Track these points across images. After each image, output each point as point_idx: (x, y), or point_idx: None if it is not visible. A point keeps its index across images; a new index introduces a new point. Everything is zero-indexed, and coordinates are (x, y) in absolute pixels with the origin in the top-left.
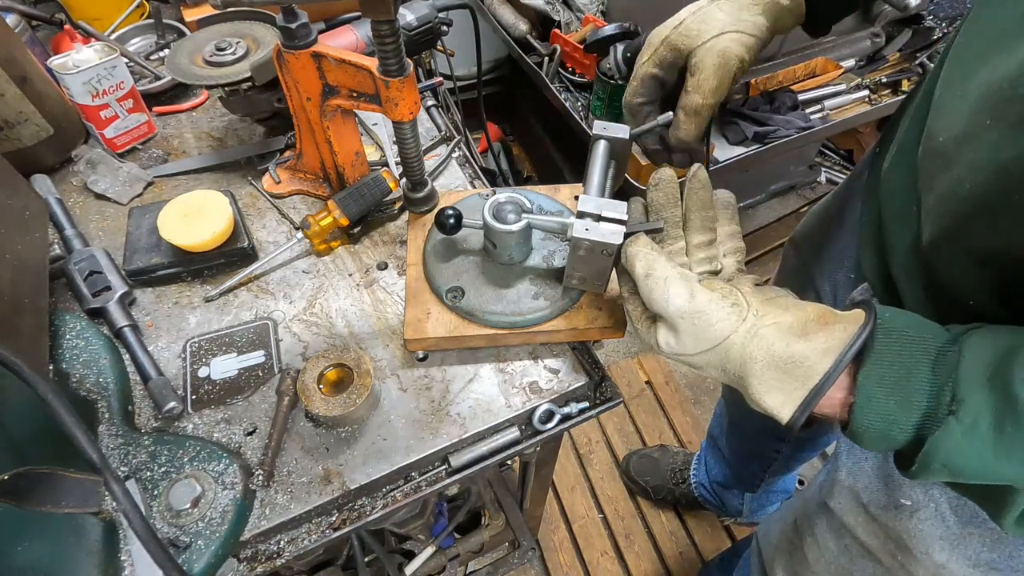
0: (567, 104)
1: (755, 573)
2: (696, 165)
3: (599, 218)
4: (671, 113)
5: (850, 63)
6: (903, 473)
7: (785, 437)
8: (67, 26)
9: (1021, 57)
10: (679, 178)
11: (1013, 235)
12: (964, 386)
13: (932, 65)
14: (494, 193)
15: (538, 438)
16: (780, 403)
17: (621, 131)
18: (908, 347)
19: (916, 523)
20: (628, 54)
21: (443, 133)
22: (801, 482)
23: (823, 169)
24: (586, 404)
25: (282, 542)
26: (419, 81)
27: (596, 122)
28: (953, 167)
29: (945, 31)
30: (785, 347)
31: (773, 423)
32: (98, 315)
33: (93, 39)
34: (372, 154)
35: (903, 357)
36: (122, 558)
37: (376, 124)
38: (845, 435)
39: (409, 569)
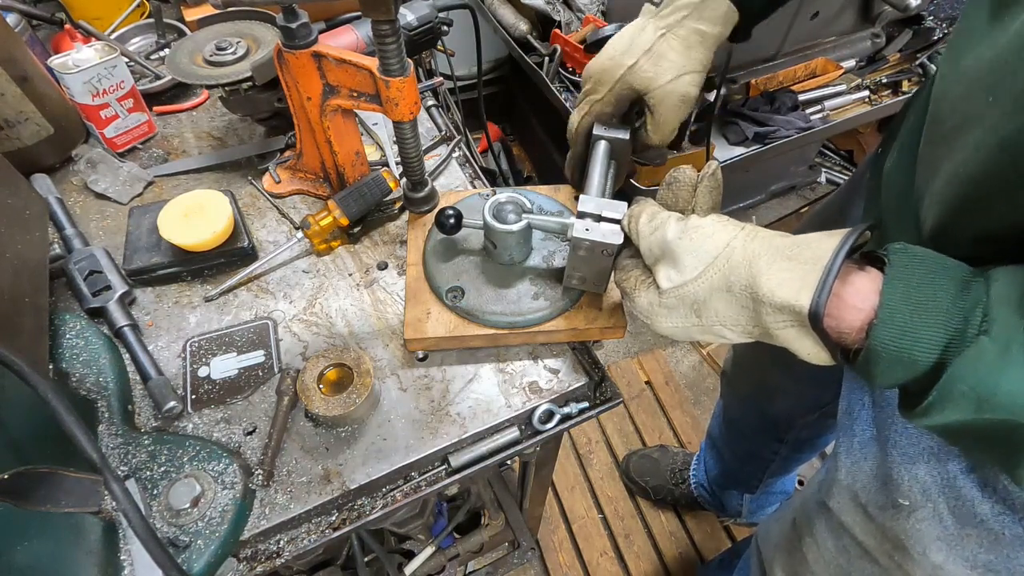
0: (567, 104)
1: (755, 573)
2: (715, 163)
3: (599, 218)
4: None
5: (850, 63)
6: (908, 414)
7: (783, 438)
8: (67, 25)
9: (1019, 26)
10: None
11: (1014, 213)
12: (996, 307)
13: (932, 65)
14: (494, 193)
15: (538, 438)
16: (796, 290)
17: (621, 131)
18: (933, 269)
19: (914, 523)
20: None
21: (443, 133)
22: (801, 482)
23: (823, 169)
24: (586, 404)
25: (282, 542)
26: (419, 81)
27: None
28: (956, 151)
29: (945, 31)
30: (787, 238)
31: (770, 421)
32: (98, 315)
33: (93, 38)
34: (372, 154)
35: (927, 279)
36: (122, 558)
37: (376, 124)
38: (856, 368)
39: (409, 569)
